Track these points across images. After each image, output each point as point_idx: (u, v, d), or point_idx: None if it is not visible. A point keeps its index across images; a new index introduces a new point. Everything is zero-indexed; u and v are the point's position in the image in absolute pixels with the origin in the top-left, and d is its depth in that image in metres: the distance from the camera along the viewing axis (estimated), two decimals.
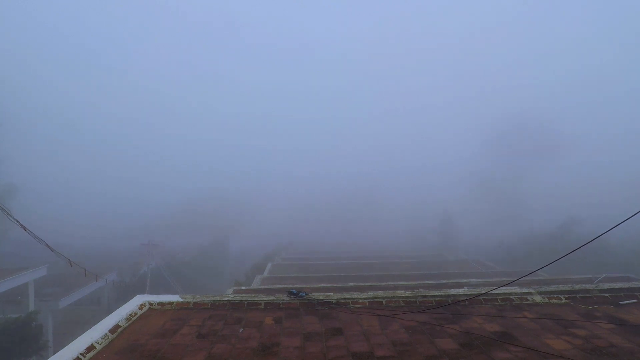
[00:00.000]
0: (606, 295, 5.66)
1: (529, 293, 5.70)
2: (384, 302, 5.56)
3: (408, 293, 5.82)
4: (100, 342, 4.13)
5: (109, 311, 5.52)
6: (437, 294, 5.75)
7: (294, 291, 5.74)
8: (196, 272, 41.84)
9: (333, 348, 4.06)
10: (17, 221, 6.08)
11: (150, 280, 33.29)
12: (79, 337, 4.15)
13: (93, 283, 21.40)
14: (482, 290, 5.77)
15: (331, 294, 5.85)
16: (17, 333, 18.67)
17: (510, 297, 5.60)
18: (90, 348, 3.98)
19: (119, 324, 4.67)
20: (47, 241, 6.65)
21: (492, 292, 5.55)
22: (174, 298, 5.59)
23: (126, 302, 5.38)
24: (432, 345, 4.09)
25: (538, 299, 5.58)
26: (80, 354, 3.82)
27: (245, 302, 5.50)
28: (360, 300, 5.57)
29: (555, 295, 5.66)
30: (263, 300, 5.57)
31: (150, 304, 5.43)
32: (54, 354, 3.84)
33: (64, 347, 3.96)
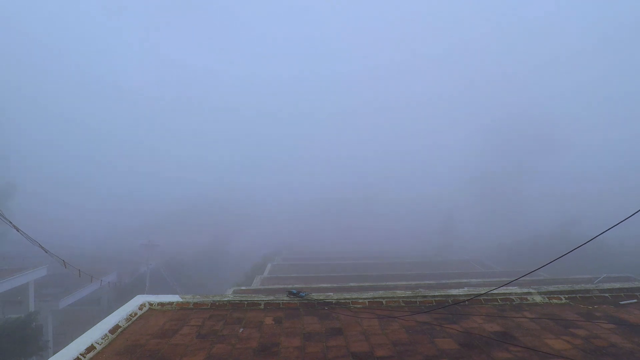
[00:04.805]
0: (606, 295, 5.65)
1: (529, 293, 5.70)
2: (384, 302, 5.55)
3: (408, 293, 5.81)
4: (100, 343, 4.12)
5: (109, 311, 5.50)
6: (437, 294, 5.74)
7: (294, 291, 5.73)
8: (196, 272, 41.84)
9: (333, 348, 4.06)
10: (10, 222, 6.01)
11: (150, 280, 33.30)
12: (79, 338, 4.14)
13: (93, 283, 21.39)
14: (483, 290, 5.77)
15: (331, 294, 5.84)
16: (17, 333, 18.66)
17: (510, 297, 5.59)
18: (91, 348, 3.97)
19: (119, 324, 4.66)
20: (46, 242, 6.62)
21: (492, 292, 5.55)
22: (174, 298, 5.58)
23: (126, 303, 5.37)
24: (432, 345, 4.09)
25: (538, 299, 5.57)
26: (80, 354, 3.81)
27: (245, 302, 5.50)
28: (360, 301, 5.56)
29: (555, 295, 5.65)
30: (263, 300, 5.56)
31: (150, 304, 5.43)
32: (54, 354, 3.83)
33: (64, 347, 3.96)
